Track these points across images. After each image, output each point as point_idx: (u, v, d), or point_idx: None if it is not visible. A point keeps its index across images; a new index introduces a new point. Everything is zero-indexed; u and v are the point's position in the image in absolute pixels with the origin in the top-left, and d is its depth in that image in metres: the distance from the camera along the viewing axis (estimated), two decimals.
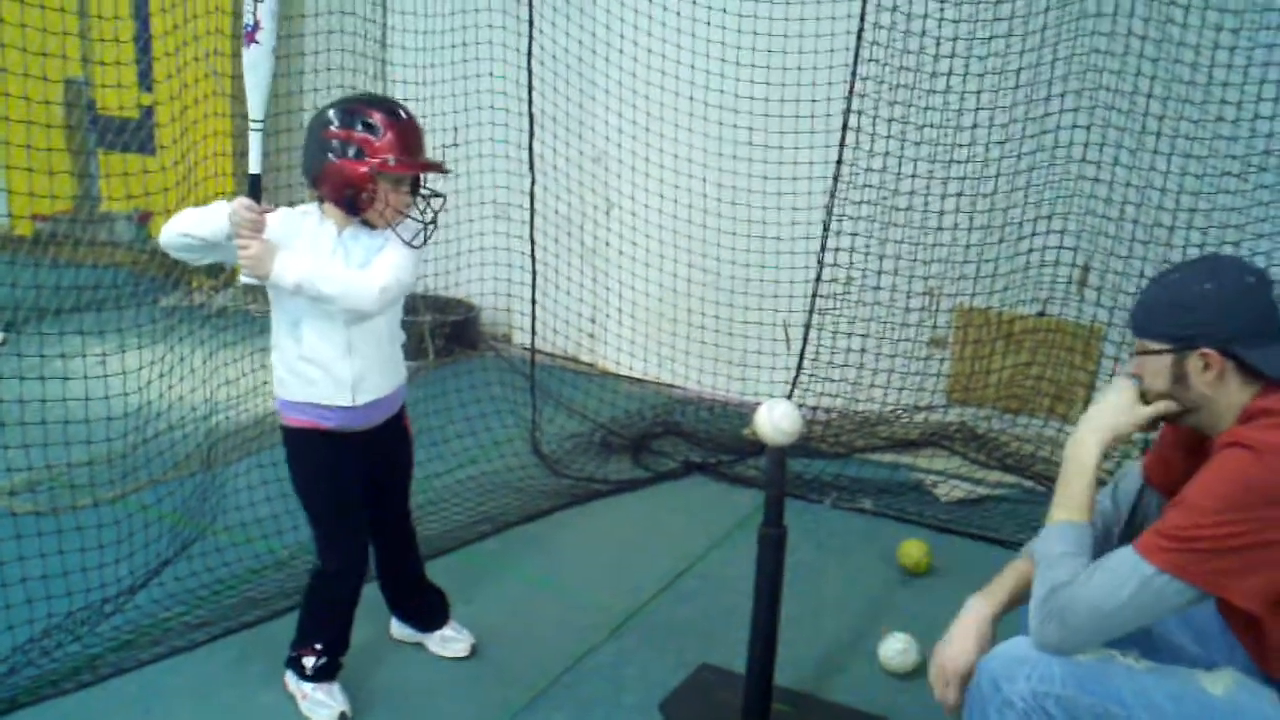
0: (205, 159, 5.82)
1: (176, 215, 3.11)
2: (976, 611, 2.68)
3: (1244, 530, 2.24)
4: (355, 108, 3.13)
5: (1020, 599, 2.66)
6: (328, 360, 3.20)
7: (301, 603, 3.53)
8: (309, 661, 3.44)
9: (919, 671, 3.68)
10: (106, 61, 6.20)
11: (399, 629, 3.86)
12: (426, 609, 3.82)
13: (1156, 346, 2.46)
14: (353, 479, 3.38)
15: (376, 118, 3.08)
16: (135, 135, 7.24)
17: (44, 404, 4.35)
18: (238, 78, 6.09)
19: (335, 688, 3.46)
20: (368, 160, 3.05)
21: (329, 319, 3.16)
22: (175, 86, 5.50)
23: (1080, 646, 2.39)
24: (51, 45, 4.91)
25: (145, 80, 7.35)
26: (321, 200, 3.20)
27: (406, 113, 3.17)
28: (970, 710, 2.55)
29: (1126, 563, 2.31)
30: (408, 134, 3.12)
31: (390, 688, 3.59)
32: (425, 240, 3.24)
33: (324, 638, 3.45)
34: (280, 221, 3.14)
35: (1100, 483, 2.57)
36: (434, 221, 3.20)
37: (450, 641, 3.80)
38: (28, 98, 5.00)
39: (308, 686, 3.45)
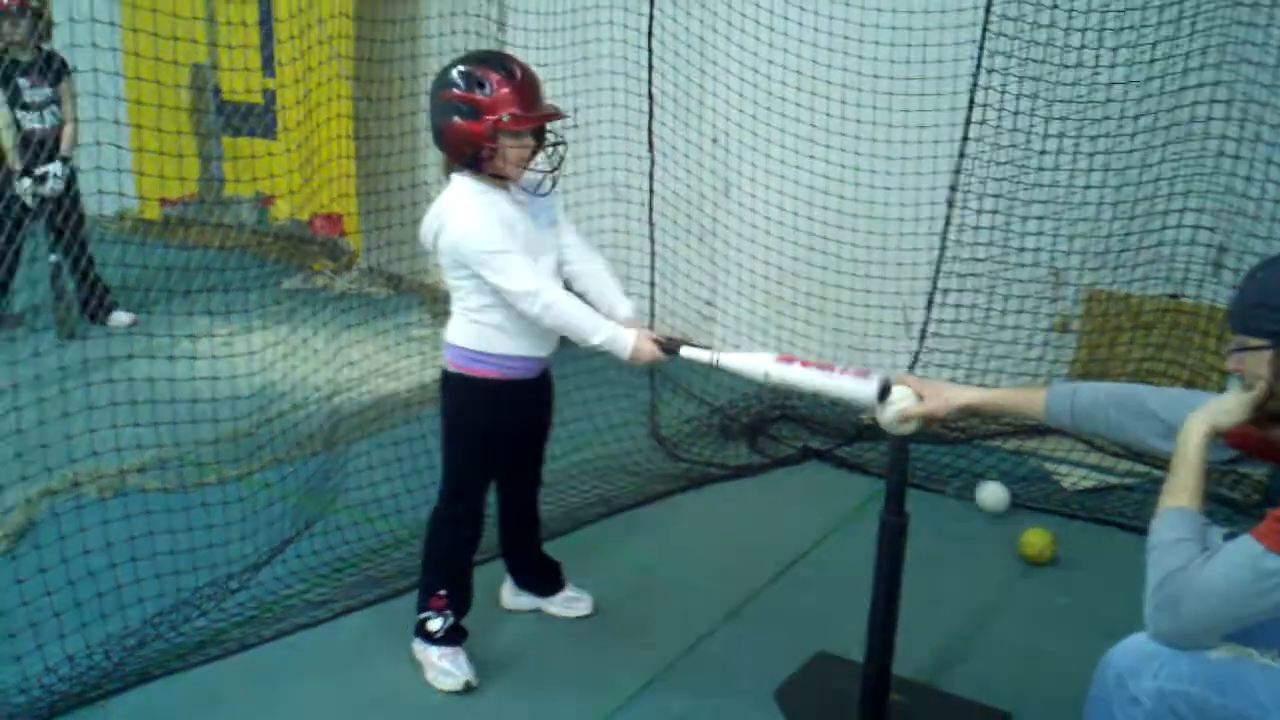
0: (327, 142, 5.89)
1: (567, 303, 3.21)
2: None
3: None
4: (470, 68, 3.17)
5: None
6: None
7: (424, 553, 3.58)
8: (435, 624, 3.49)
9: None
10: (233, 45, 6.30)
11: (514, 598, 3.90)
12: (547, 573, 3.89)
13: (1255, 343, 2.39)
14: (507, 432, 3.48)
15: (491, 76, 3.13)
16: (259, 120, 7.38)
17: (172, 383, 4.47)
18: (360, 60, 6.21)
19: (461, 658, 3.51)
20: (485, 119, 3.11)
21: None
22: (298, 70, 5.57)
23: (1194, 636, 2.28)
24: (180, 30, 4.99)
25: (268, 65, 7.47)
26: (450, 168, 3.27)
27: (521, 66, 3.20)
28: (1094, 705, 2.47)
29: (1242, 549, 2.21)
30: (524, 89, 3.16)
31: (507, 661, 3.60)
32: (553, 186, 3.31)
33: (446, 584, 3.50)
34: (497, 218, 3.19)
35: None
36: (559, 168, 3.27)
37: (573, 601, 3.88)
38: (159, 82, 5.10)
39: (434, 653, 3.50)
